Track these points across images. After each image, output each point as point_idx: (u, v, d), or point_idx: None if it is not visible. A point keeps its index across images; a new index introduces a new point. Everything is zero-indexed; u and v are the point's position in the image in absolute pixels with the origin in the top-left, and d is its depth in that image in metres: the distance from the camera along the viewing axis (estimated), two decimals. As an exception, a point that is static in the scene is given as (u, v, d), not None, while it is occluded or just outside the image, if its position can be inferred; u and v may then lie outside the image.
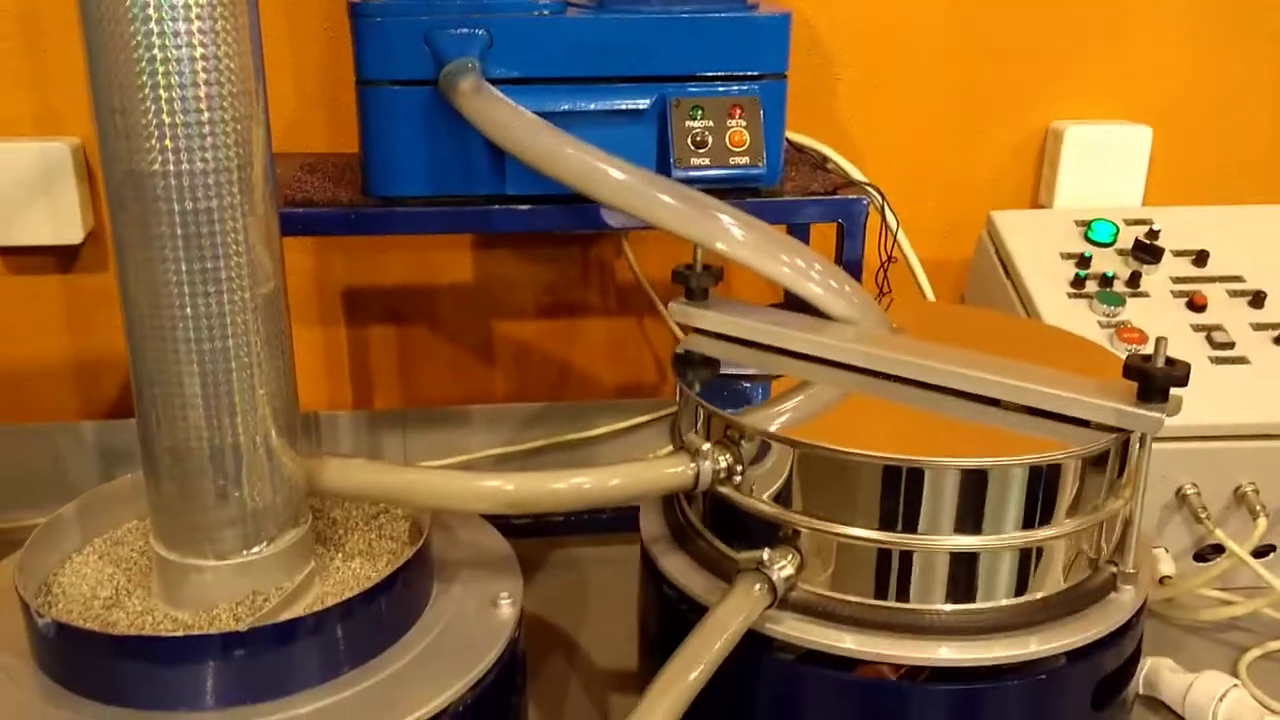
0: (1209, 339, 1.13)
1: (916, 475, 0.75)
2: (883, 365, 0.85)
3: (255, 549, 0.75)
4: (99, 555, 0.82)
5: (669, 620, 0.86)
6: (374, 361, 1.48)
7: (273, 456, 0.74)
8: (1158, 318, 1.15)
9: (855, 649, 0.77)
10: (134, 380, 0.72)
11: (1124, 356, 0.78)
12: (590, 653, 1.11)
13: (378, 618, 0.75)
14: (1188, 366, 0.75)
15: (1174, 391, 0.76)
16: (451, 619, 0.79)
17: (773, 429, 0.78)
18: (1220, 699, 0.97)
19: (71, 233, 1.28)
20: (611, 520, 1.27)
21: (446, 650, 0.76)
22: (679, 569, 0.84)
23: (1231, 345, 1.13)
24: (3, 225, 1.27)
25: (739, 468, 0.80)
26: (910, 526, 0.76)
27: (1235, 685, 0.98)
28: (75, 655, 0.70)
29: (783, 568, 0.77)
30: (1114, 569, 0.81)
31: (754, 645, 0.79)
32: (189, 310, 0.69)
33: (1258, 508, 1.09)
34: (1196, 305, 1.16)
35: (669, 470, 0.79)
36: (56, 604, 0.76)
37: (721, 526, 0.84)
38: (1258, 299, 1.17)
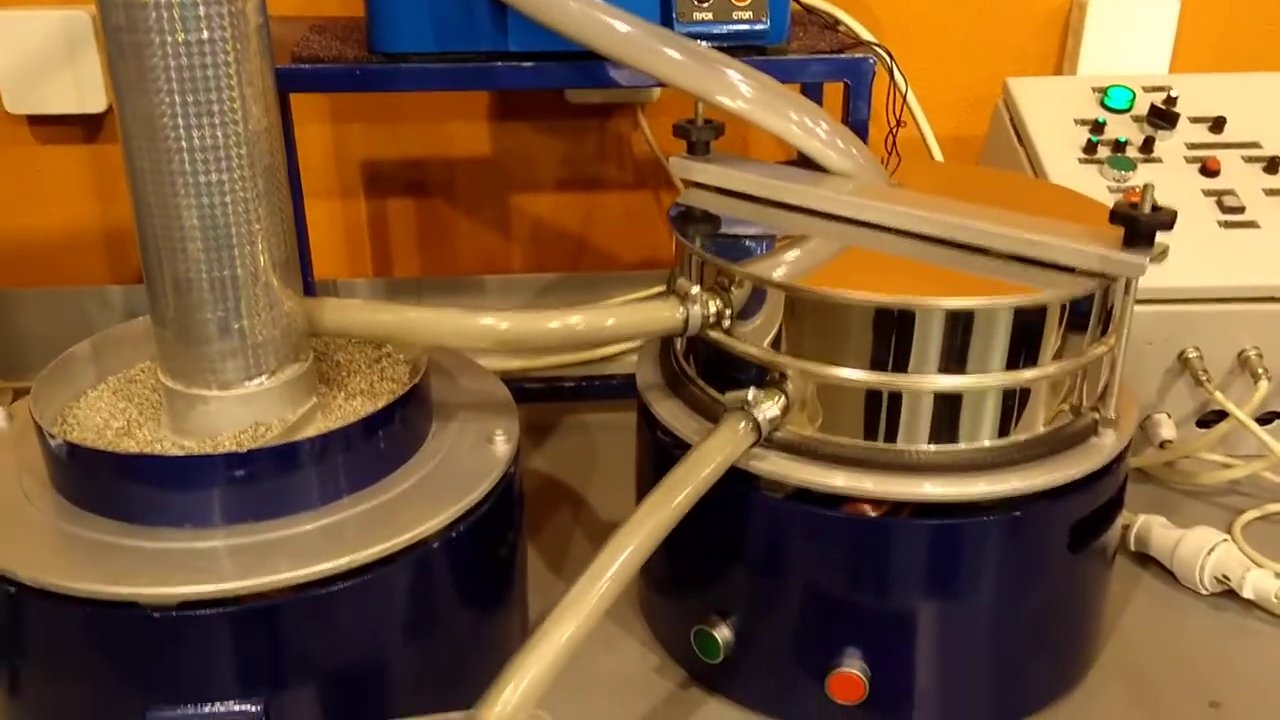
0: (1219, 203, 1.13)
1: (904, 317, 0.76)
2: (875, 216, 0.86)
3: (256, 380, 0.77)
4: (112, 391, 0.85)
5: (662, 464, 0.88)
6: (393, 233, 1.50)
7: (270, 291, 0.76)
8: (1169, 182, 1.14)
9: (841, 486, 0.79)
10: (136, 215, 0.74)
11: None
12: (595, 508, 1.15)
13: (377, 446, 0.78)
14: (1173, 212, 0.75)
15: (1160, 238, 0.76)
16: (448, 453, 0.82)
17: (762, 274, 0.80)
18: (1209, 552, 0.99)
19: (95, 101, 1.30)
20: (621, 386, 1.30)
21: (443, 480, 0.79)
22: (671, 413, 0.86)
23: (1242, 210, 1.12)
24: (28, 93, 1.30)
25: (728, 312, 0.81)
26: (896, 367, 0.77)
27: (1224, 540, 1.00)
28: (87, 475, 0.74)
29: (768, 408, 0.79)
30: (1095, 415, 0.83)
31: (742, 483, 0.81)
32: (184, 143, 0.71)
33: (1260, 371, 1.09)
34: (1209, 170, 1.15)
35: (659, 313, 0.81)
36: (71, 433, 0.79)
37: (712, 373, 0.86)
38: (1272, 165, 1.16)
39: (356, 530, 0.73)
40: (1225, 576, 0.98)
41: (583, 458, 1.23)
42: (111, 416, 0.81)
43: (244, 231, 0.74)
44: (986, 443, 0.79)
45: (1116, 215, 0.76)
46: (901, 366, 0.77)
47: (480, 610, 0.82)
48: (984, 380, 0.77)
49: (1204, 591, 1.00)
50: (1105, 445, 0.82)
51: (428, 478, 0.79)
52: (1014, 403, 0.79)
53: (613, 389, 1.30)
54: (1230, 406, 1.07)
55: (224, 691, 0.71)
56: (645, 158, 1.48)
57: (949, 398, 0.78)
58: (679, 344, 0.91)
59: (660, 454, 0.88)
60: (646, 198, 1.51)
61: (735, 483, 0.81)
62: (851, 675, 0.81)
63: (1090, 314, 0.79)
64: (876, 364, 0.78)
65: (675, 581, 0.91)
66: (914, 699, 0.83)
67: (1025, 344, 0.77)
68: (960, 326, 0.76)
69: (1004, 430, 0.79)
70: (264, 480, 0.73)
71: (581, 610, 0.70)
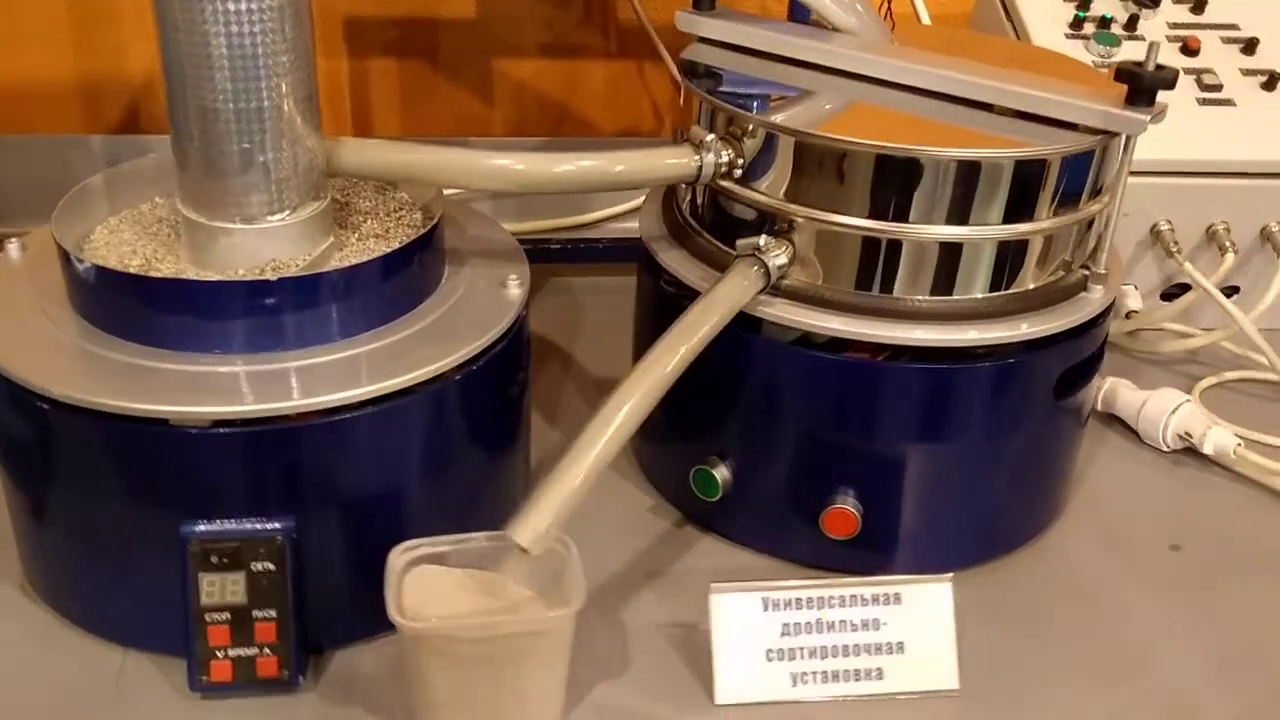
0: (1199, 81, 1.16)
1: (912, 165, 0.78)
2: (883, 72, 0.88)
3: (278, 215, 0.79)
4: (128, 226, 0.86)
5: (666, 312, 0.91)
6: (374, 94, 1.49)
7: (293, 126, 0.77)
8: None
9: (841, 329, 0.82)
10: (161, 44, 0.75)
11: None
12: (584, 364, 1.17)
13: (396, 283, 0.80)
14: (1176, 71, 0.79)
15: (1160, 98, 0.79)
16: (463, 295, 0.84)
17: (775, 121, 0.82)
18: (1172, 412, 1.04)
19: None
20: (607, 249, 1.32)
21: (460, 319, 0.81)
22: (677, 262, 0.89)
23: (1220, 88, 1.16)
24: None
25: (740, 161, 0.84)
26: (899, 217, 0.80)
27: (1187, 400, 1.05)
28: (114, 300, 0.75)
29: (777, 255, 0.82)
30: (1085, 271, 0.87)
31: (745, 329, 0.84)
32: (214, -29, 0.71)
33: (1227, 244, 1.14)
34: (1190, 49, 1.19)
35: (674, 160, 0.83)
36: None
37: (718, 223, 0.88)
38: (1250, 45, 1.19)
39: (377, 362, 0.76)
40: (1187, 434, 1.04)
41: (569, 318, 1.26)
42: (131, 252, 0.82)
43: (270, 63, 0.74)
44: (980, 294, 0.83)
45: (1122, 73, 0.79)
46: (904, 216, 0.80)
47: (491, 445, 0.84)
48: (981, 232, 0.81)
49: (1165, 449, 1.05)
50: (1094, 299, 0.86)
51: (445, 317, 0.81)
52: (1010, 256, 0.82)
53: (598, 252, 1.32)
54: (1199, 277, 1.12)
55: (251, 510, 0.73)
56: (631, 26, 1.48)
57: (949, 248, 0.81)
58: (682, 196, 0.93)
59: (664, 302, 0.91)
60: (629, 68, 1.52)
61: (738, 329, 0.83)
62: (845, 511, 0.85)
63: (1089, 171, 0.82)
64: (880, 213, 0.80)
65: (673, 426, 0.94)
66: (900, 536, 0.88)
67: (1024, 198, 0.80)
68: (964, 177, 0.79)
69: (997, 283, 0.83)
70: (289, 310, 0.75)
71: (607, 435, 0.73)
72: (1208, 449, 1.02)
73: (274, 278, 0.75)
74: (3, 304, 0.79)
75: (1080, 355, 0.87)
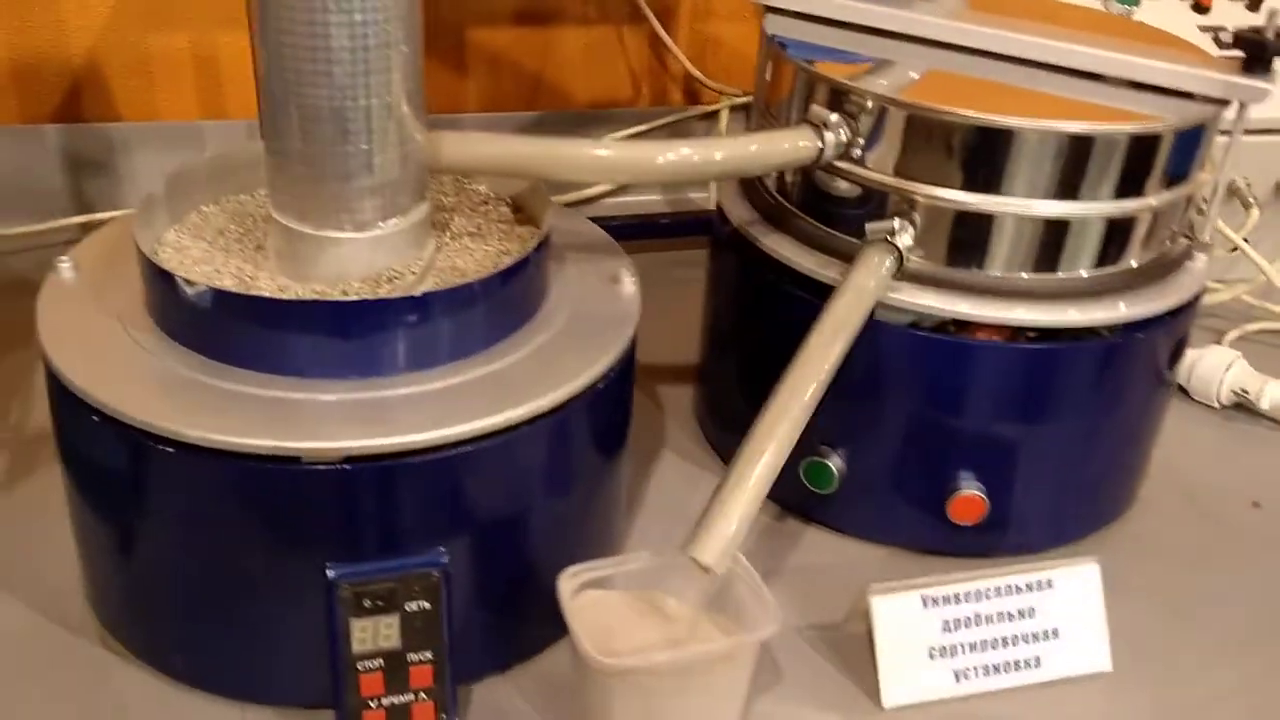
0: (1216, 39, 1.18)
1: (1061, 141, 0.76)
2: (982, 41, 0.85)
3: (391, 221, 0.72)
4: (188, 239, 0.77)
5: (766, 299, 0.88)
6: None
7: (404, 123, 0.70)
8: (1167, 19, 1.18)
9: (966, 313, 0.80)
10: (262, 39, 0.67)
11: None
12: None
13: (526, 287, 0.74)
14: (1294, 39, 0.78)
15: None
16: (578, 295, 0.78)
17: (896, 97, 0.79)
18: (1226, 369, 1.06)
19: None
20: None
21: (588, 322, 0.76)
22: (783, 247, 0.85)
23: (1231, 45, 1.17)
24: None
25: (860, 140, 0.80)
26: (1019, 191, 0.78)
27: (1238, 357, 1.07)
28: (229, 325, 0.67)
29: (905, 238, 0.79)
30: (1188, 240, 0.87)
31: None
32: (336, -47, 0.63)
33: (1250, 200, 1.16)
34: (1201, 7, 1.20)
35: (795, 144, 0.79)
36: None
37: (822, 204, 0.85)
38: (1255, 2, 1.21)
39: (527, 377, 0.70)
40: (1243, 390, 1.05)
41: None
42: (215, 269, 0.73)
43: (391, 54, 0.67)
44: (1088, 272, 0.82)
45: (1242, 40, 0.79)
46: (1015, 190, 0.78)
47: (617, 451, 0.80)
48: (1106, 208, 0.79)
49: (1218, 406, 1.07)
50: (1199, 270, 0.86)
51: (574, 321, 0.76)
52: (1123, 230, 0.81)
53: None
54: (1231, 233, 1.14)
55: (401, 546, 0.67)
56: (607, -13, 1.42)
57: (1054, 225, 0.79)
58: (770, 178, 0.89)
59: (765, 290, 0.87)
60: (608, 33, 1.46)
61: None
62: (973, 497, 0.84)
63: (1201, 141, 0.82)
64: (1007, 189, 0.78)
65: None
66: (1016, 516, 0.87)
67: (1141, 169, 0.79)
68: (1111, 151, 0.77)
69: (1110, 258, 0.82)
70: (437, 325, 0.69)
71: (776, 444, 0.69)
72: (1265, 404, 1.04)
73: (423, 291, 0.68)
74: (82, 334, 0.70)
75: (1184, 330, 0.87)
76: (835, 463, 0.86)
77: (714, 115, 1.42)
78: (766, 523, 0.92)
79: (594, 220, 1.21)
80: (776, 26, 0.90)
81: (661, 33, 1.38)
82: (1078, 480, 0.88)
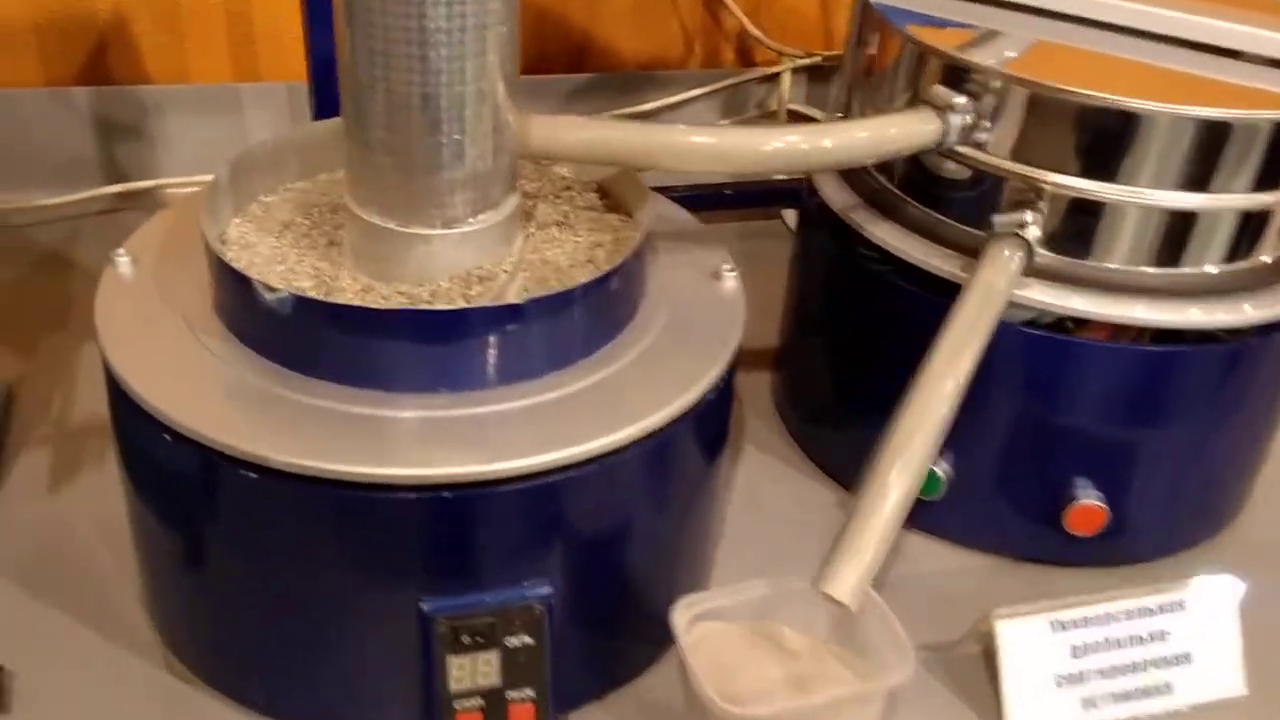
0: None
1: (1211, 129, 0.70)
2: (1109, 15, 0.79)
3: (483, 215, 0.66)
4: (252, 233, 0.71)
5: (872, 290, 0.81)
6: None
7: (499, 111, 0.64)
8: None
9: (1083, 309, 0.74)
10: (342, 20, 0.60)
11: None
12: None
13: (631, 286, 0.68)
14: None
15: None
16: (678, 293, 0.72)
17: (1028, 76, 0.72)
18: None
19: None
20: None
21: (694, 324, 0.69)
22: (893, 237, 0.79)
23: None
24: None
25: (985, 123, 0.74)
26: (1149, 180, 0.72)
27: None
28: (318, 335, 0.61)
29: (1035, 231, 0.73)
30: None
31: None
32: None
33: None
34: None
35: (917, 128, 0.72)
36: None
37: (934, 190, 0.78)
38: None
39: (634, 389, 0.64)
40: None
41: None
42: (289, 269, 0.67)
43: (486, 36, 0.61)
44: (1227, 267, 0.76)
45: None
46: (1142, 179, 0.72)
47: (719, 460, 0.74)
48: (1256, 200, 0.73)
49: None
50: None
51: (677, 323, 0.70)
52: (1252, 223, 0.75)
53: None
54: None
55: (502, 577, 0.62)
56: (661, -62, 1.34)
57: (1189, 216, 0.73)
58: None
59: (865, 277, 0.81)
60: (659, -13, 1.38)
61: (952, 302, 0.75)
62: (1093, 508, 0.78)
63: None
64: (1131, 176, 0.72)
65: (870, 414, 0.85)
66: (1130, 524, 0.81)
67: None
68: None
69: (1238, 253, 0.76)
70: (531, 334, 0.62)
71: (907, 470, 0.64)
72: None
73: (530, 297, 0.62)
74: (147, 338, 0.64)
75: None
76: (943, 468, 0.81)
77: (774, 78, 1.34)
78: (861, 527, 0.86)
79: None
80: (882, -3, 0.83)
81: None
82: (1193, 486, 0.83)
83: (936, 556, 0.84)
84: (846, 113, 0.90)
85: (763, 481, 0.90)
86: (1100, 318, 0.74)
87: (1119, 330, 0.76)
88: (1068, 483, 0.79)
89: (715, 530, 0.77)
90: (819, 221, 0.85)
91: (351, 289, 0.65)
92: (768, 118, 1.35)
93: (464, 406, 0.61)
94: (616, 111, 1.32)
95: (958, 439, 0.80)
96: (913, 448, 0.64)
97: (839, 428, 0.89)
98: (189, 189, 1.19)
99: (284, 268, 0.66)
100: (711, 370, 0.66)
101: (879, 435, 0.81)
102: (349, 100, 0.63)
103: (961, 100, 0.72)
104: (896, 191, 0.80)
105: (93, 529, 0.78)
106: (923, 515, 0.84)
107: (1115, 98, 0.70)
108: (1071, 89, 0.71)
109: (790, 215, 1.23)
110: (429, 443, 0.59)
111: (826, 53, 1.34)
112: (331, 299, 0.63)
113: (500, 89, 0.63)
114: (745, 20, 1.32)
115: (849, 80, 0.88)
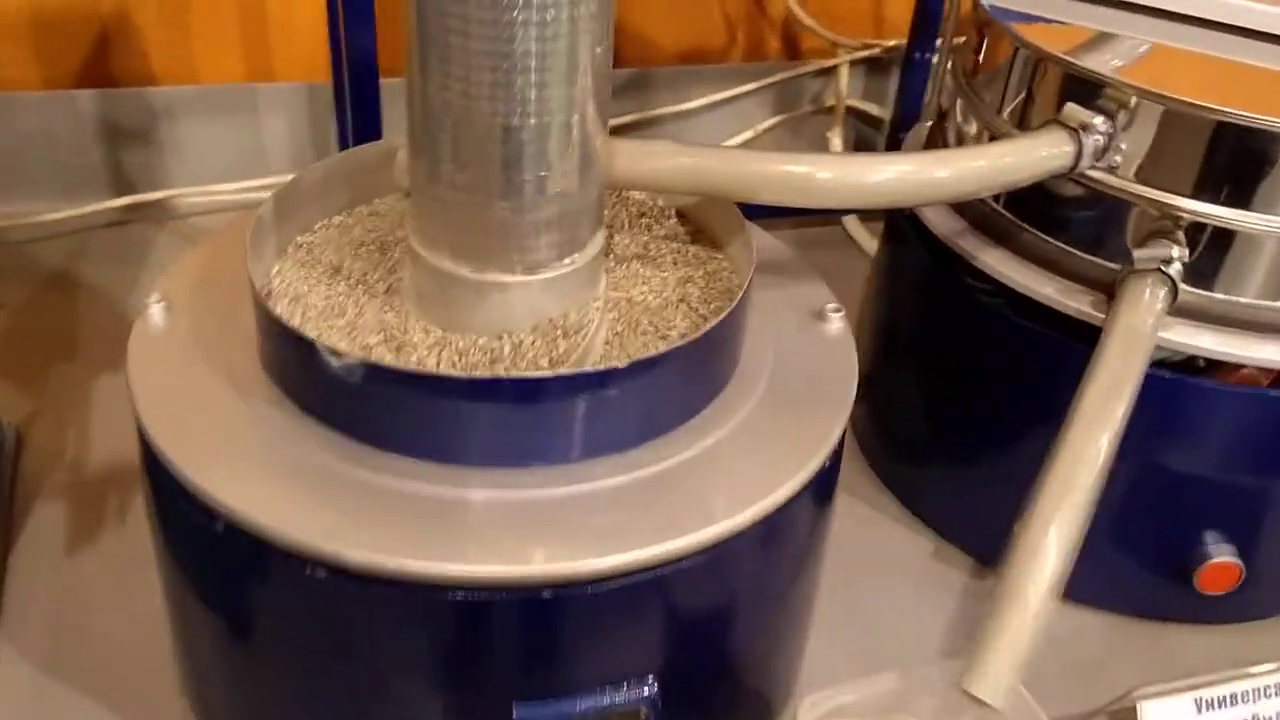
0: None
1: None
2: (1249, 20, 0.71)
3: (569, 259, 0.57)
4: (295, 277, 0.62)
5: (979, 322, 0.74)
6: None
7: (589, 143, 0.55)
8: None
9: (1237, 353, 0.67)
10: (420, 42, 0.52)
11: None
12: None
13: (738, 332, 0.60)
14: None
15: None
16: (779, 341, 0.64)
17: (1176, 95, 0.64)
18: None
19: None
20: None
21: (802, 378, 0.61)
22: (1007, 266, 0.71)
23: None
24: None
25: (1120, 145, 0.66)
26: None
27: None
28: (382, 402, 0.53)
29: (1176, 266, 0.65)
30: None
31: (1083, 341, 0.68)
32: (526, -72, 0.48)
33: None
34: None
35: (1049, 152, 0.64)
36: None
37: (1056, 217, 0.70)
38: None
39: (745, 462, 0.56)
40: None
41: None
42: (349, 324, 0.59)
43: (579, 60, 0.52)
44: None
45: None
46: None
47: (828, 530, 0.66)
48: None
49: None
50: None
51: (781, 377, 0.61)
52: None
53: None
54: None
55: (603, 679, 0.54)
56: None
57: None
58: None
59: (974, 310, 0.74)
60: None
61: (1083, 345, 0.67)
62: (1229, 564, 0.71)
63: None
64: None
65: (977, 460, 0.78)
66: (1257, 579, 0.74)
67: None
68: None
69: None
70: (631, 398, 0.54)
71: (1057, 547, 0.56)
72: None
73: (664, 349, 0.54)
74: (188, 403, 0.56)
75: None
76: (1058, 520, 0.73)
77: (829, 71, 1.25)
78: (964, 580, 0.79)
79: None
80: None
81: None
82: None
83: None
84: (939, 120, 0.82)
85: (848, 525, 0.82)
86: (1242, 360, 0.67)
87: (1253, 371, 0.68)
88: (1196, 537, 0.72)
89: (816, 600, 0.69)
90: (913, 241, 0.78)
91: (423, 343, 0.57)
92: (823, 114, 1.26)
93: (556, 484, 0.53)
94: (656, 111, 1.23)
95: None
96: (1066, 517, 0.56)
97: (934, 468, 0.81)
98: (204, 198, 1.10)
99: (344, 321, 0.58)
100: (830, 435, 0.58)
101: (999, 488, 0.74)
102: (421, 133, 0.55)
103: (1099, 120, 0.64)
104: (1009, 216, 0.72)
105: (118, 602, 0.70)
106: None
107: (1269, 119, 0.62)
108: (1223, 109, 0.63)
109: (851, 221, 1.15)
110: (522, 533, 0.51)
111: (884, 42, 1.25)
112: (405, 362, 0.55)
113: (592, 118, 0.55)
114: (795, 6, 1.23)
115: (943, 84, 0.80)
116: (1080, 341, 0.69)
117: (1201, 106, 0.63)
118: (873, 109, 1.25)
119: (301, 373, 0.55)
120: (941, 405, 0.79)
